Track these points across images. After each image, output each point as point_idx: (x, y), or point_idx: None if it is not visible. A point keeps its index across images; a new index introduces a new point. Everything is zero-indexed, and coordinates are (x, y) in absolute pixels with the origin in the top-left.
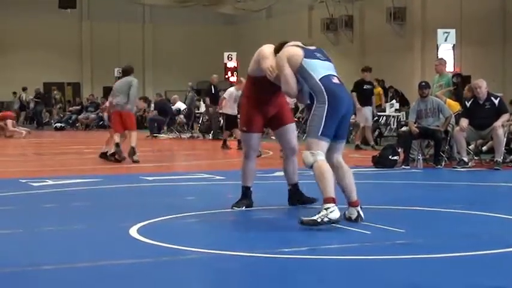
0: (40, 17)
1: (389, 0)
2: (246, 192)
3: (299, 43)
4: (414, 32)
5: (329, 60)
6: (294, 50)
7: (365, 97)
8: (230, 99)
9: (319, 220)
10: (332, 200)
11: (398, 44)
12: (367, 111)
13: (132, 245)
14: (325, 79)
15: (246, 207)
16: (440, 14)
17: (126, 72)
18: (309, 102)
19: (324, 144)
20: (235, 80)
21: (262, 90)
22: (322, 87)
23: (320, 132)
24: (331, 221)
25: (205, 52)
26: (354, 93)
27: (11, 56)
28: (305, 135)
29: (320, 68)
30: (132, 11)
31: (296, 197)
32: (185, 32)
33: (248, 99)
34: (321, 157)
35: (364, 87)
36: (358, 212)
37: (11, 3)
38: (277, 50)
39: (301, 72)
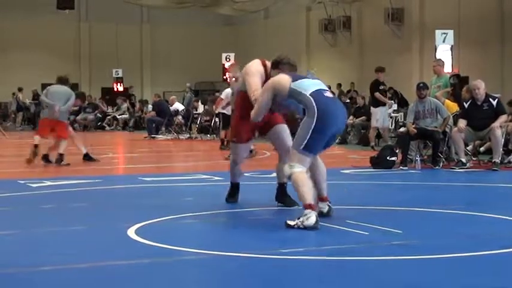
0: (38, 17)
1: (387, 1)
2: (237, 187)
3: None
4: (412, 33)
5: (318, 80)
6: (281, 77)
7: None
8: (226, 99)
9: (295, 226)
10: (309, 207)
11: (396, 45)
12: (382, 111)
13: (130, 245)
14: (316, 93)
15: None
16: (438, 15)
17: (65, 81)
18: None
19: (305, 159)
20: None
21: (250, 104)
22: (313, 101)
23: (303, 145)
24: (306, 228)
25: (203, 53)
26: (378, 94)
27: (9, 56)
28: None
29: (310, 85)
30: (130, 12)
31: (279, 196)
32: (183, 33)
33: (238, 111)
34: (299, 169)
35: (380, 88)
36: (328, 205)
37: (10, 4)
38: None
39: (291, 94)
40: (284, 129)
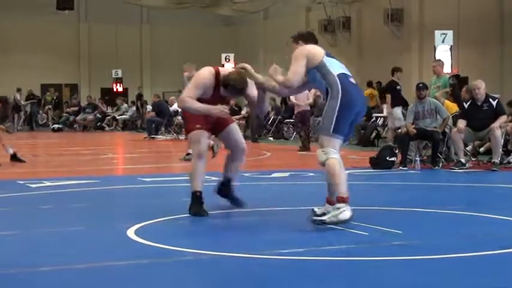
0: (38, 18)
1: (386, 2)
2: (201, 197)
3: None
4: (412, 34)
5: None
6: (315, 48)
7: (399, 98)
8: None
9: (328, 221)
10: (342, 200)
11: (395, 45)
12: (399, 111)
13: (129, 246)
14: (343, 76)
15: (207, 214)
16: (438, 16)
17: None
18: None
19: (337, 142)
20: None
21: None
22: (338, 82)
23: (332, 129)
24: (340, 222)
25: (202, 53)
26: (389, 95)
27: (8, 57)
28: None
29: (339, 66)
30: (130, 13)
31: (225, 190)
32: (183, 33)
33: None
34: (334, 155)
35: (397, 88)
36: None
37: (9, 4)
38: (303, 38)
39: (320, 68)
40: (237, 130)
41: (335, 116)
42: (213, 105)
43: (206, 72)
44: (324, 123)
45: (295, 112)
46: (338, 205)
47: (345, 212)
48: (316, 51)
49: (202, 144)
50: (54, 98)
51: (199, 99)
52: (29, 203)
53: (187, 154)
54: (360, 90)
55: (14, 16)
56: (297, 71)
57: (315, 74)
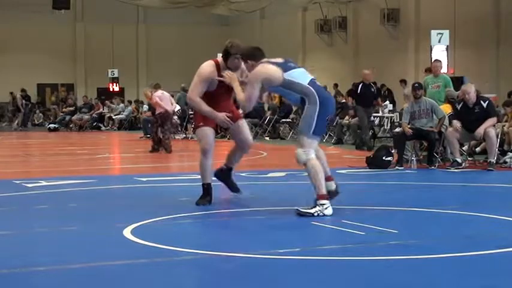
0: (34, 18)
1: (383, 2)
2: (208, 189)
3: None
4: (408, 33)
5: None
6: (271, 70)
7: None
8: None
9: (315, 214)
10: (326, 197)
11: (392, 45)
12: None
13: (126, 246)
14: (312, 82)
15: (209, 203)
16: (434, 16)
17: None
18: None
19: (315, 143)
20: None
21: (209, 101)
22: (313, 89)
23: (312, 131)
24: (324, 216)
25: (199, 53)
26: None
27: (4, 57)
28: (296, 133)
29: (302, 75)
30: (126, 12)
31: (224, 176)
32: (179, 33)
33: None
34: (313, 155)
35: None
36: (336, 183)
37: (4, 4)
38: (252, 58)
39: (285, 85)
40: (245, 126)
41: (315, 120)
42: (219, 95)
43: (207, 67)
44: (304, 126)
45: (156, 113)
46: (322, 201)
47: (329, 209)
48: (273, 73)
49: (206, 141)
50: (62, 97)
51: (206, 92)
52: (25, 203)
53: None
54: (328, 91)
55: (9, 15)
56: (250, 97)
57: (279, 89)
